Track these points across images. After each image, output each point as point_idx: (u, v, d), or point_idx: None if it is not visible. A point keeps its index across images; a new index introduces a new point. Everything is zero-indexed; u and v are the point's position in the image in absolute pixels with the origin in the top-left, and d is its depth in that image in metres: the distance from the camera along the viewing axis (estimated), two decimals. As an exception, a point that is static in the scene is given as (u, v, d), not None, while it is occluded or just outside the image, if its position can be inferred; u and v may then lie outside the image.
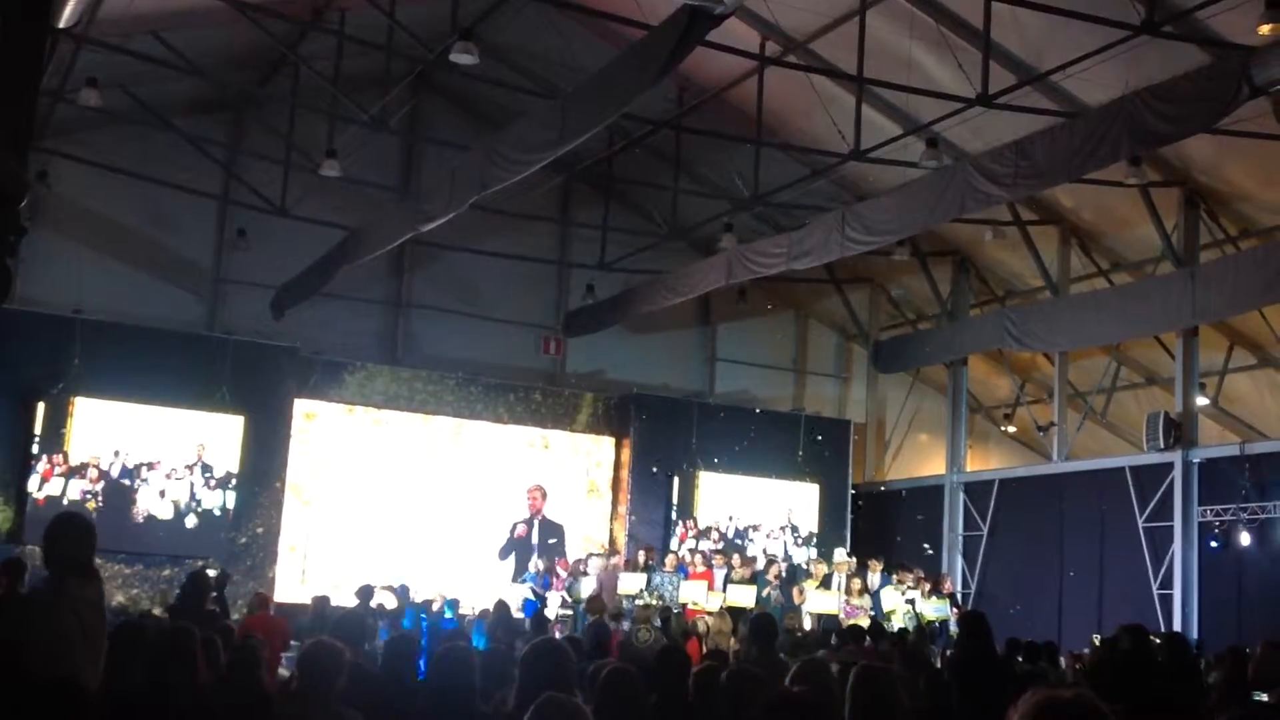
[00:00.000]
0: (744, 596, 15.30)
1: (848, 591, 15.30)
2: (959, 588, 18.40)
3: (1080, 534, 17.21)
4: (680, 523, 18.90)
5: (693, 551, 17.76)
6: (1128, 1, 11.42)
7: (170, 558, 15.74)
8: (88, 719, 3.97)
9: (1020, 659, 10.70)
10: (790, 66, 14.70)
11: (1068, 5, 11.69)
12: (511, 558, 17.11)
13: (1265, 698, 6.43)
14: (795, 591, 15.74)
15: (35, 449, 15.51)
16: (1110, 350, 18.38)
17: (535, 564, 16.28)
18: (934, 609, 15.41)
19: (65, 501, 15.17)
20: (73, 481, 15.56)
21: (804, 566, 18.09)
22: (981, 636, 7.27)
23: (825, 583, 15.67)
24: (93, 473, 15.70)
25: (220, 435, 16.43)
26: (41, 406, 15.58)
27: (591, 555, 16.54)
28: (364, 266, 16.50)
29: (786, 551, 19.03)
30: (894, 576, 15.95)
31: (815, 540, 19.37)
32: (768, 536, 19.25)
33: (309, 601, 14.10)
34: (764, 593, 15.51)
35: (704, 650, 12.08)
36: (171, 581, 14.81)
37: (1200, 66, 11.02)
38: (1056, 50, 12.76)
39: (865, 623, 13.11)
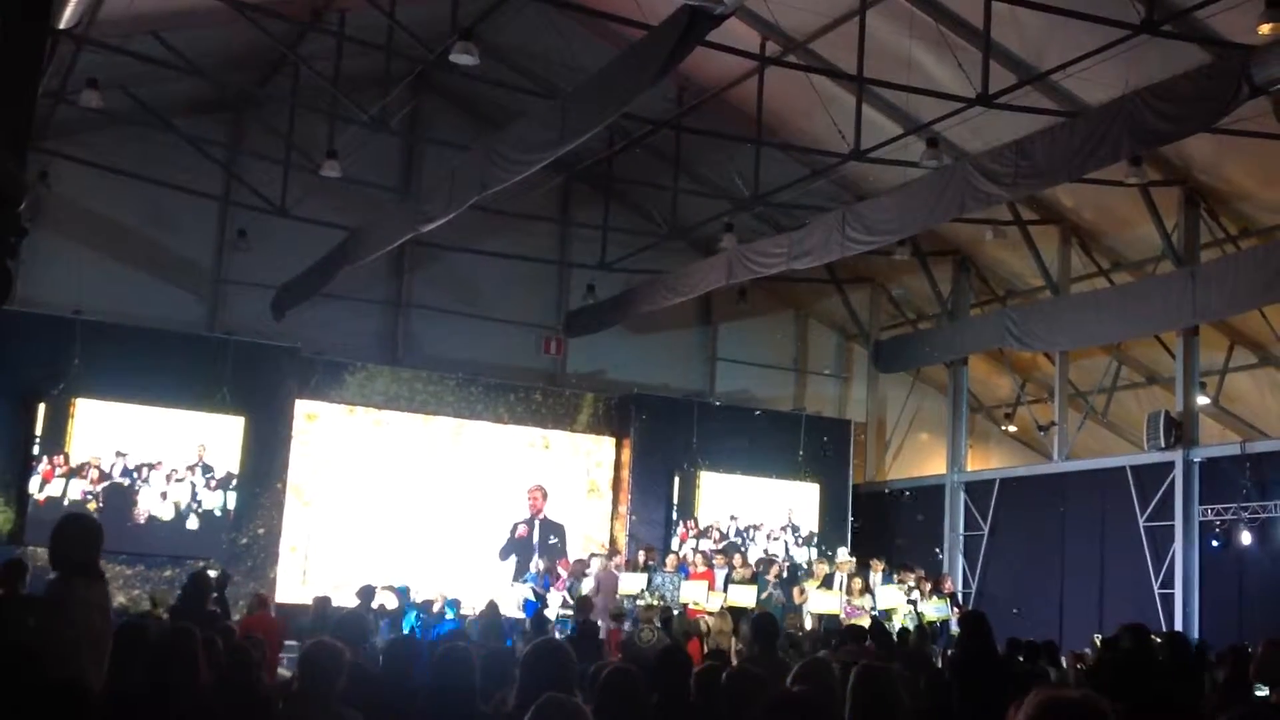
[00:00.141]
0: (745, 596, 15.30)
1: (849, 591, 15.29)
2: (960, 587, 18.39)
3: (1081, 534, 17.21)
4: (681, 523, 18.90)
5: (694, 551, 17.76)
6: (1128, 1, 11.41)
7: (171, 558, 15.75)
8: (93, 720, 3.98)
9: (1021, 659, 10.70)
10: (790, 66, 14.70)
11: (1068, 5, 11.69)
12: (512, 558, 17.10)
13: (1267, 692, 6.43)
14: (796, 591, 15.74)
15: (36, 450, 15.51)
16: (1111, 350, 18.38)
17: (536, 564, 16.28)
18: (934, 609, 15.41)
19: (66, 502, 15.18)
20: (73, 482, 15.57)
21: (805, 566, 18.10)
22: (982, 636, 7.28)
23: (827, 582, 15.66)
24: (93, 473, 15.70)
25: (221, 436, 16.43)
26: (42, 407, 15.59)
27: (593, 555, 16.54)
28: (364, 267, 16.51)
29: (788, 551, 19.03)
30: (895, 576, 15.95)
31: (816, 540, 19.38)
32: (768, 537, 19.25)
33: (310, 602, 14.13)
34: (764, 594, 15.50)
35: (705, 650, 12.09)
36: (173, 582, 14.81)
37: (1200, 66, 11.02)
38: (1056, 50, 12.76)
39: (866, 623, 13.11)
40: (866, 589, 15.27)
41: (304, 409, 17.46)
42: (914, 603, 15.18)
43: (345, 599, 13.98)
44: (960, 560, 19.30)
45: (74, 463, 15.63)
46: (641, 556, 16.27)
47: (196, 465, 16.26)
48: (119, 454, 15.87)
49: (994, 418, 21.24)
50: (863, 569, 15.86)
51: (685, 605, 15.04)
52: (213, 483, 16.31)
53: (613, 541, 18.67)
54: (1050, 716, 2.46)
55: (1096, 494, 17.09)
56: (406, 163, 19.44)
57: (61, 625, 5.00)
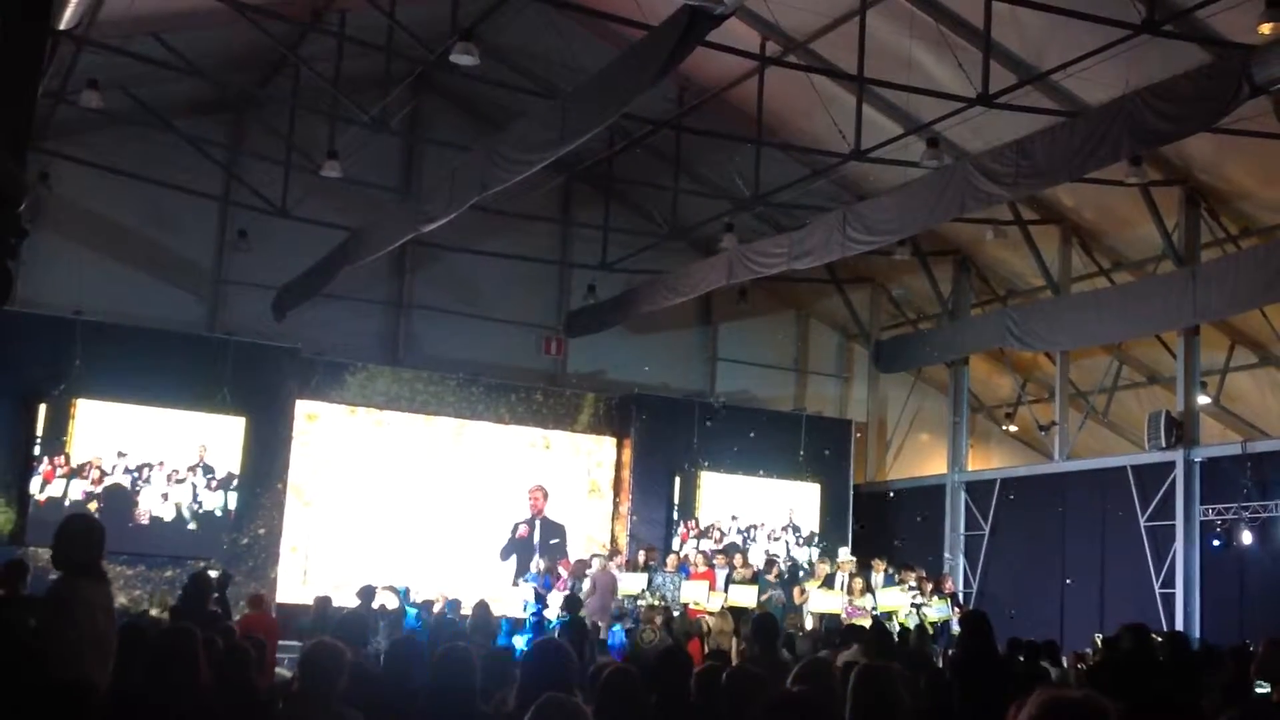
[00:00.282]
0: (746, 596, 15.28)
1: (850, 591, 15.28)
2: (960, 587, 18.39)
3: (1082, 533, 17.20)
4: (681, 523, 18.90)
5: (695, 551, 17.75)
6: (1128, 1, 11.41)
7: (172, 559, 15.75)
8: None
9: (1021, 659, 10.69)
10: (790, 66, 14.70)
11: (1068, 4, 11.69)
12: (513, 558, 17.10)
13: (1268, 689, 6.42)
14: (796, 591, 15.72)
15: (37, 450, 15.51)
16: (1112, 349, 18.37)
17: (537, 564, 16.27)
18: (936, 610, 15.37)
19: (67, 503, 15.18)
20: (74, 483, 15.57)
21: (806, 567, 18.09)
22: (983, 636, 7.27)
23: (828, 582, 15.65)
24: (94, 474, 15.71)
25: (222, 436, 16.43)
26: (43, 408, 15.59)
27: (595, 556, 16.53)
28: (365, 267, 16.51)
29: (789, 552, 19.03)
30: (896, 576, 15.93)
31: (817, 540, 19.37)
32: (769, 538, 19.24)
33: (311, 602, 14.14)
34: (764, 594, 15.46)
35: (705, 650, 12.08)
36: (173, 583, 14.82)
37: (1201, 66, 11.02)
38: (1057, 49, 12.76)
39: (867, 623, 13.10)
40: (868, 589, 15.25)
41: (305, 409, 17.46)
42: (918, 606, 15.13)
43: (346, 599, 13.99)
44: (961, 560, 19.30)
45: (75, 463, 15.64)
46: (642, 557, 16.26)
47: (197, 466, 16.26)
48: (120, 454, 15.87)
49: (995, 417, 21.24)
50: (864, 569, 15.85)
51: (686, 605, 15.03)
52: (213, 483, 16.31)
53: (613, 541, 18.67)
54: (1052, 716, 2.46)
55: (1097, 494, 17.09)
56: (407, 163, 19.44)
57: (64, 625, 5.01)
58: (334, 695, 4.77)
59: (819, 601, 15.29)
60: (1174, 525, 15.64)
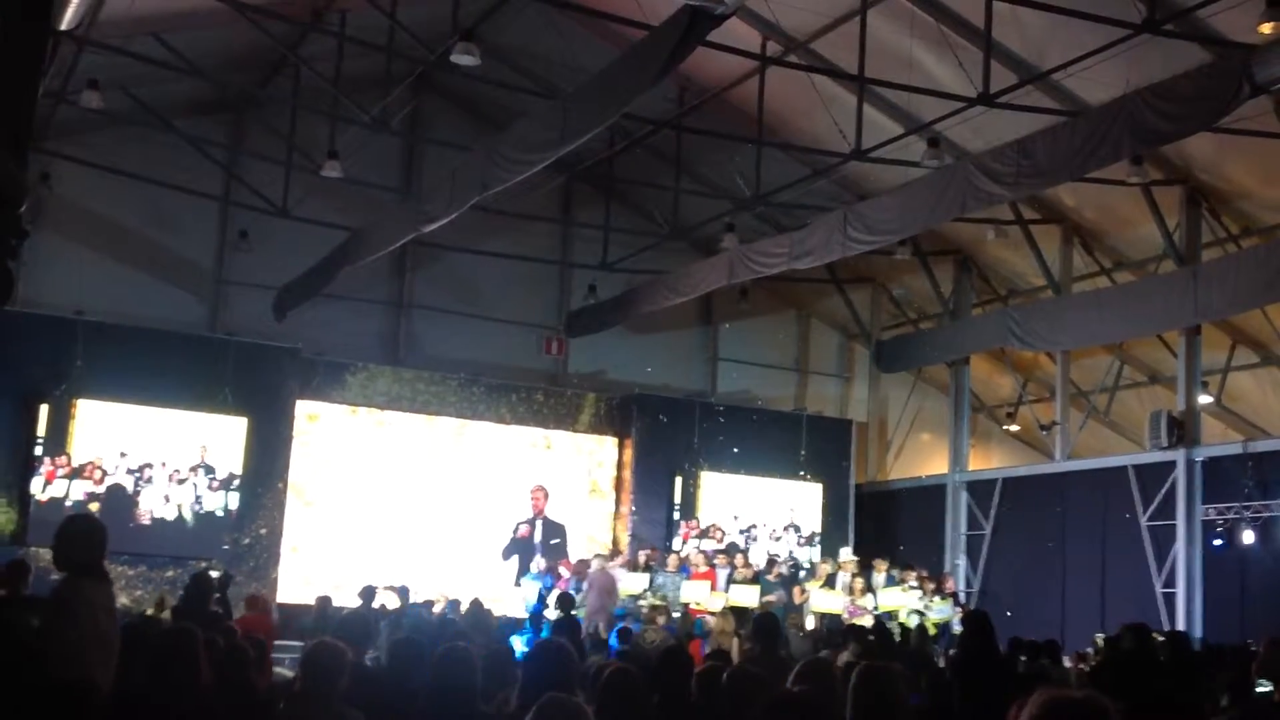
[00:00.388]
0: (747, 596, 15.27)
1: (851, 591, 15.27)
2: (962, 587, 18.38)
3: (1083, 533, 17.20)
4: (682, 523, 18.90)
5: (696, 551, 17.73)
6: (1129, 0, 11.41)
7: (173, 559, 15.74)
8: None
9: (1023, 658, 10.70)
10: (791, 66, 14.69)
11: (1069, 4, 11.69)
12: (515, 559, 17.10)
13: (1270, 688, 6.42)
14: (796, 591, 15.71)
15: (38, 451, 15.51)
16: (1113, 349, 18.37)
17: (537, 564, 16.27)
18: (937, 611, 15.35)
19: (68, 503, 15.18)
20: (75, 483, 15.58)
21: (808, 566, 18.07)
22: (984, 635, 7.27)
23: (830, 582, 15.64)
24: (96, 474, 15.71)
25: (223, 436, 16.44)
26: (44, 408, 15.59)
27: (597, 556, 16.52)
28: (366, 267, 16.51)
29: (790, 551, 19.02)
30: (897, 577, 15.91)
31: (818, 540, 19.37)
32: (771, 538, 19.24)
33: (312, 602, 14.14)
34: (768, 596, 15.43)
35: (706, 650, 12.07)
36: (175, 583, 14.81)
37: (1201, 65, 11.02)
38: (1057, 49, 12.76)
39: (868, 622, 13.09)
40: (869, 589, 15.25)
41: (306, 409, 17.46)
42: (923, 611, 15.10)
43: (347, 599, 13.99)
44: (963, 560, 19.30)
45: (76, 463, 15.64)
46: (642, 557, 16.25)
47: (198, 466, 16.26)
48: (121, 455, 15.88)
49: (996, 417, 21.23)
50: (865, 569, 15.85)
51: (686, 605, 15.02)
52: (215, 483, 16.32)
53: (614, 541, 18.67)
54: (1054, 716, 2.46)
55: (1098, 493, 17.08)
56: (407, 163, 19.44)
57: (66, 625, 5.01)
58: (335, 695, 4.78)
59: (820, 601, 15.28)
60: (1175, 525, 15.64)
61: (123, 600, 14.75)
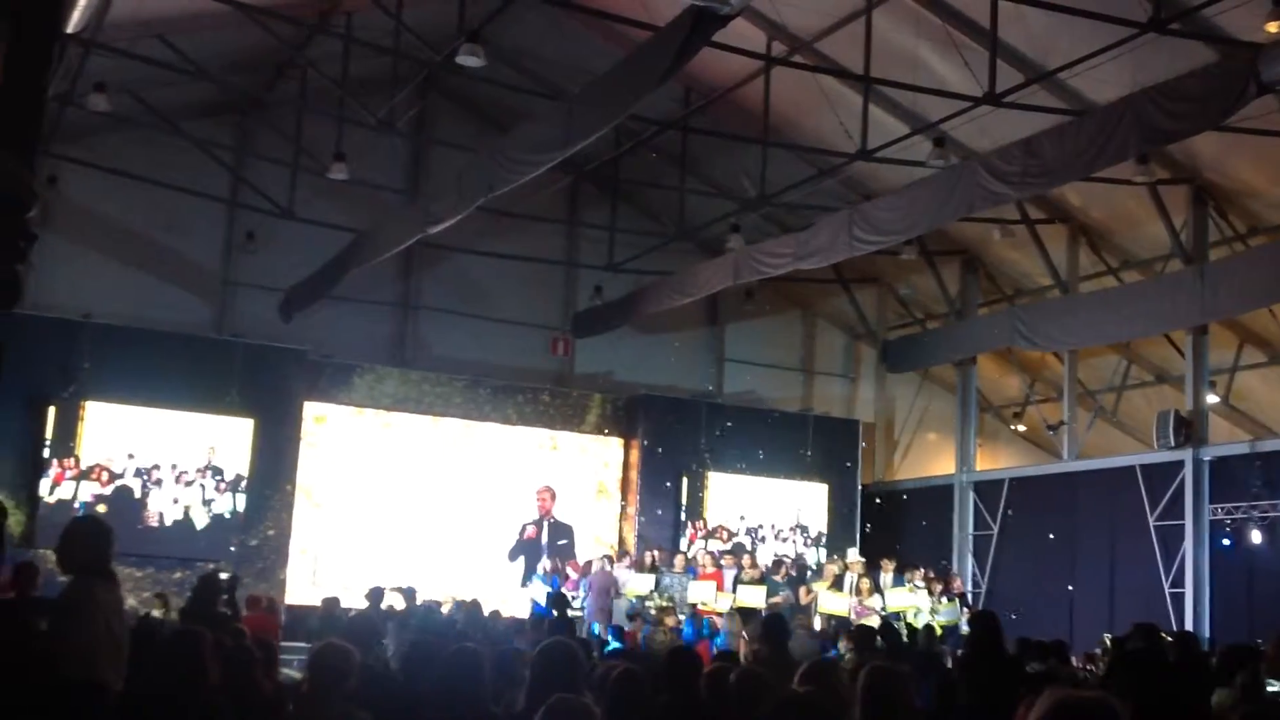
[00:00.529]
0: (754, 597, 15.26)
1: (858, 592, 15.25)
2: (969, 587, 18.35)
3: (1091, 533, 17.16)
4: (689, 523, 18.90)
5: (703, 551, 17.74)
6: (1135, -1, 11.40)
7: (181, 561, 15.77)
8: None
9: (1034, 659, 10.68)
10: (797, 66, 14.69)
11: (1074, 3, 11.67)
12: (521, 560, 17.12)
13: (1278, 687, 6.42)
14: (802, 591, 15.69)
15: (46, 453, 15.55)
16: (1120, 348, 18.34)
17: (544, 564, 16.29)
18: (945, 613, 15.30)
19: (76, 505, 15.22)
20: (84, 485, 15.62)
21: (815, 567, 18.06)
22: (992, 635, 7.27)
23: (837, 583, 15.62)
24: (104, 476, 15.74)
25: (230, 438, 16.47)
26: (52, 410, 15.63)
27: (604, 557, 16.53)
28: (372, 269, 16.53)
29: (798, 552, 19.01)
30: (905, 577, 15.89)
31: (825, 540, 19.35)
32: (777, 538, 19.22)
33: (319, 603, 14.16)
34: (773, 597, 15.41)
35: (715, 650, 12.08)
36: (182, 585, 14.84)
37: (1208, 64, 11.01)
38: (1063, 48, 12.74)
39: (876, 623, 13.09)
40: (876, 589, 15.22)
41: (313, 411, 17.49)
42: (934, 612, 15.07)
43: (355, 600, 14.01)
44: (970, 560, 19.27)
45: (84, 465, 15.69)
46: (648, 558, 16.25)
47: (206, 467, 16.30)
48: (129, 456, 15.92)
49: (1003, 417, 21.20)
50: (872, 569, 15.83)
51: (693, 606, 15.02)
52: (222, 485, 16.35)
53: (621, 542, 18.67)
54: (1063, 716, 2.46)
55: (1106, 493, 17.04)
56: (414, 165, 19.46)
57: (75, 627, 5.03)
58: (343, 696, 4.78)
59: (827, 602, 15.26)
60: (1183, 525, 15.59)
61: (130, 602, 14.80)
